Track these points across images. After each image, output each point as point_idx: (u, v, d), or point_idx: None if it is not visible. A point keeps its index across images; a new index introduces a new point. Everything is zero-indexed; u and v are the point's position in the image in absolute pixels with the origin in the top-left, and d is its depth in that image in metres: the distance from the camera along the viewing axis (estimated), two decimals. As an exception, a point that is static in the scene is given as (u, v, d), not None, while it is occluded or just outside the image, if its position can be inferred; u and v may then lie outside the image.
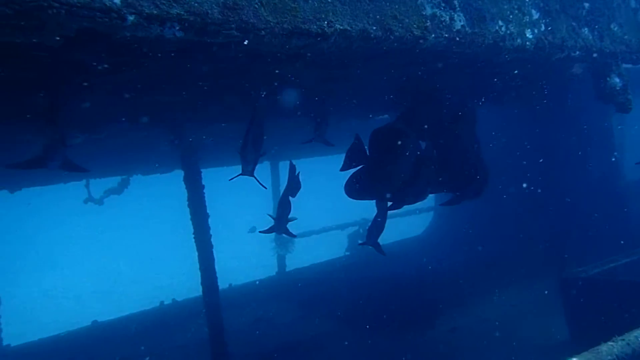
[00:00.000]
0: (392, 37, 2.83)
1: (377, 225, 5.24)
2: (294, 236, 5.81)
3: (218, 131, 6.49)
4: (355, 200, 4.87)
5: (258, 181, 4.99)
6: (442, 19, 3.00)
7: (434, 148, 4.64)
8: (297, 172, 5.72)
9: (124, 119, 5.12)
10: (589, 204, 8.74)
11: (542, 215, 8.90)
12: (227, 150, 8.95)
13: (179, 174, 7.11)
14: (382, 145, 4.55)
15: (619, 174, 9.61)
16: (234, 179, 4.88)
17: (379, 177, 4.50)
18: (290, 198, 5.56)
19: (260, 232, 5.77)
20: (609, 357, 2.67)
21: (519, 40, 3.40)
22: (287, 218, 5.45)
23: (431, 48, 3.11)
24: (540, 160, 8.78)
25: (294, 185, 5.57)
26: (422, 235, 13.47)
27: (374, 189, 4.65)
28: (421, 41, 2.97)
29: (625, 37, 4.05)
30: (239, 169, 4.93)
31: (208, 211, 6.85)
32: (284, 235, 10.25)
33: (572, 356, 2.47)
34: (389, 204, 4.94)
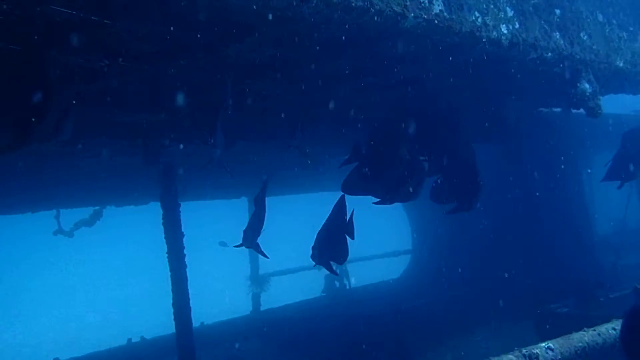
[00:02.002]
0: (373, 10, 2.93)
1: (254, 225, 5.27)
2: (265, 255, 5.62)
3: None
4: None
5: (261, 252, 5.42)
6: (421, 1, 3.14)
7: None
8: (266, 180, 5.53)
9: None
10: (561, 248, 8.88)
11: (518, 255, 8.99)
12: (208, 182, 8.84)
13: (154, 206, 6.95)
14: (378, 143, 4.97)
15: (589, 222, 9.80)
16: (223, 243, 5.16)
17: (373, 174, 4.91)
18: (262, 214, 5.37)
19: (234, 246, 5.59)
20: (580, 344, 2.71)
21: (494, 33, 3.55)
22: (258, 231, 5.26)
23: (411, 30, 3.21)
24: (515, 203, 8.94)
25: (263, 200, 5.38)
26: (400, 278, 13.41)
27: (368, 186, 5.04)
28: (400, 19, 3.08)
29: (594, 46, 4.29)
30: (220, 202, 4.96)
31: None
32: (257, 274, 9.97)
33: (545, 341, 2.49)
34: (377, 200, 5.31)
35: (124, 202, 9.59)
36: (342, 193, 5.19)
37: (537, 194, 9.12)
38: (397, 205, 14.19)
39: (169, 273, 6.62)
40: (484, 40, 3.41)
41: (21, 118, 3.14)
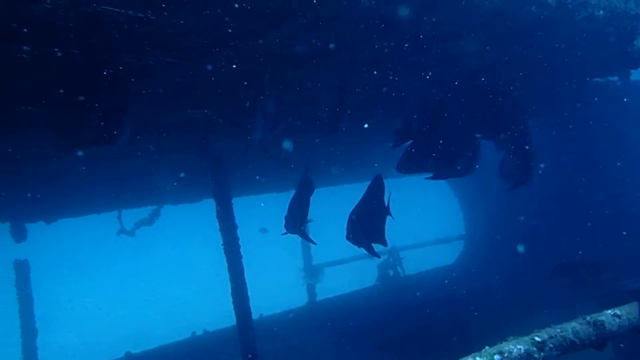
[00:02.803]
0: None
1: (295, 211, 5.08)
2: (311, 241, 5.63)
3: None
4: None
5: (307, 237, 5.37)
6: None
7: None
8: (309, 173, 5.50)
9: None
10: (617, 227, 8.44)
11: (574, 237, 8.64)
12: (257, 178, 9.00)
13: (209, 203, 7.13)
14: (431, 120, 5.12)
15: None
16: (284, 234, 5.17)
17: (427, 151, 5.10)
18: (304, 199, 5.34)
19: (282, 234, 5.62)
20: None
21: None
22: (302, 220, 5.24)
23: None
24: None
25: (306, 185, 5.36)
26: (454, 263, 13.18)
27: (423, 163, 5.23)
28: None
29: None
30: (268, 197, 5.06)
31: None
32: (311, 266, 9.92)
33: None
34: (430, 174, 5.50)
35: (180, 200, 9.92)
36: (392, 173, 5.19)
37: (599, 168, 8.71)
38: (448, 190, 13.97)
39: (226, 266, 6.80)
40: (529, 1, 3.28)
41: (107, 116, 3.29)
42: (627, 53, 4.08)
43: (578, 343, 2.57)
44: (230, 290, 6.73)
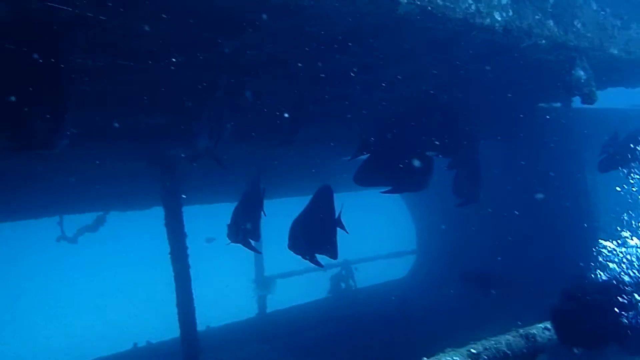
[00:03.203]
0: None
1: (238, 220, 5.07)
2: (256, 250, 5.54)
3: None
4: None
5: (251, 247, 5.24)
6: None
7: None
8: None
9: None
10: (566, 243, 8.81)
11: (522, 251, 8.95)
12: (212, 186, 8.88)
13: (158, 211, 6.98)
14: (387, 136, 5.31)
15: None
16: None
17: (383, 166, 5.26)
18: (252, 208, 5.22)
19: (226, 244, 5.51)
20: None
21: (488, 20, 3.56)
22: (254, 230, 5.14)
23: (406, 17, 3.21)
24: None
25: (254, 194, 5.25)
26: (405, 277, 13.38)
27: (379, 177, 5.38)
28: (394, 6, 3.08)
29: (588, 34, 4.29)
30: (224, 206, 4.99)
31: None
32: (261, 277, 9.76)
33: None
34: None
35: (128, 207, 9.65)
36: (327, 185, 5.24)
37: (541, 190, 9.08)
38: (402, 205, 14.23)
39: (173, 275, 6.66)
40: (478, 27, 3.42)
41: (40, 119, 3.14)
42: (566, 82, 4.32)
43: (511, 355, 2.66)
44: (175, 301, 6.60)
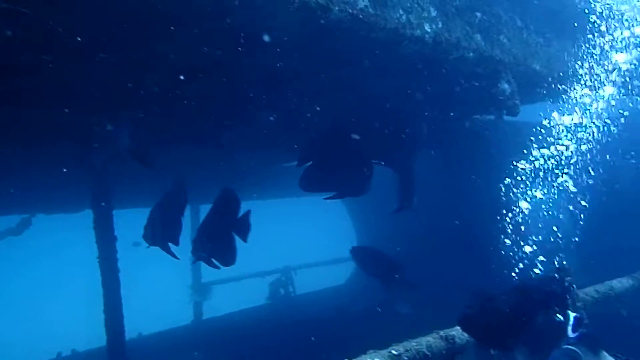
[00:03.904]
0: (297, 1, 2.93)
1: (156, 221, 5.06)
2: (174, 256, 5.44)
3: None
4: (276, 248, 5.23)
5: (169, 252, 5.23)
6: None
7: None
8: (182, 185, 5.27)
9: None
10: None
11: (453, 257, 9.24)
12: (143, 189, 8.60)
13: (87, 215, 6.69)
14: (330, 142, 5.45)
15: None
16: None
17: (326, 171, 5.40)
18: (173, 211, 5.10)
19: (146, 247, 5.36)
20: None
21: (418, 31, 3.65)
22: (174, 233, 5.01)
23: (337, 24, 3.23)
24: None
25: (176, 196, 5.12)
26: (345, 284, 13.49)
27: (323, 182, 5.49)
28: (325, 12, 3.09)
29: (513, 49, 4.51)
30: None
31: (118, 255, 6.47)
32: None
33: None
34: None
35: (55, 209, 9.19)
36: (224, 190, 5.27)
37: (473, 200, 9.42)
38: (344, 212, 14.36)
39: (101, 280, 6.40)
40: (408, 37, 3.52)
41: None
42: (492, 95, 4.52)
43: (430, 356, 2.73)
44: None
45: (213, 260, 5.12)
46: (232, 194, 5.07)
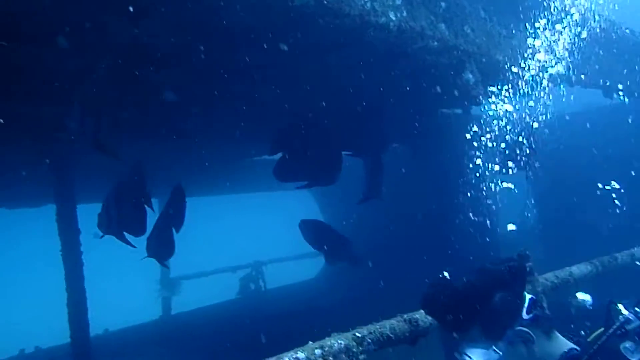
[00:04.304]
0: None
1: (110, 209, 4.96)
2: (130, 244, 5.38)
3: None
4: (247, 242, 5.32)
5: (124, 240, 5.17)
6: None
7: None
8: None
9: None
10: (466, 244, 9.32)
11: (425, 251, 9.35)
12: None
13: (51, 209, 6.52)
14: (299, 133, 5.58)
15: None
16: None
17: (297, 161, 5.56)
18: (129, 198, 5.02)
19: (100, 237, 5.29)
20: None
21: (383, 19, 3.65)
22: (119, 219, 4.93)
23: (300, 9, 3.22)
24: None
25: (132, 183, 5.05)
26: (315, 278, 13.52)
27: (294, 171, 5.65)
28: None
29: (477, 40, 4.57)
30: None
31: (84, 248, 6.32)
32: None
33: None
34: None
35: (18, 204, 8.92)
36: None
37: (442, 193, 9.56)
38: (314, 207, 14.38)
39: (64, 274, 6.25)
40: (373, 24, 3.53)
41: None
42: (457, 85, 4.58)
43: (394, 338, 2.76)
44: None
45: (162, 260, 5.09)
46: (179, 189, 5.06)
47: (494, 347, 2.15)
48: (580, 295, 2.92)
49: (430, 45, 4.05)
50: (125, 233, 5.21)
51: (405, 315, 2.89)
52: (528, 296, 2.25)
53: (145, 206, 4.98)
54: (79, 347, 6.18)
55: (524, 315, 2.19)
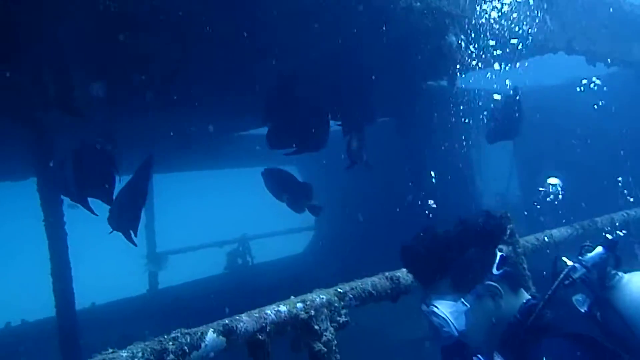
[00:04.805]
0: None
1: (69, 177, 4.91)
2: (92, 212, 5.35)
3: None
4: (234, 217, 5.37)
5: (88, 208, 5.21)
6: None
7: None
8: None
9: None
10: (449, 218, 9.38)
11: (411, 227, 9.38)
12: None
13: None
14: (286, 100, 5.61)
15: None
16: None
17: (285, 128, 5.64)
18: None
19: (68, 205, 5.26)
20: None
21: None
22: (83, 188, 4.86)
23: None
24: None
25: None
26: (303, 253, 13.60)
27: (284, 139, 5.72)
28: None
29: (460, 1, 4.52)
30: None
31: (70, 222, 6.27)
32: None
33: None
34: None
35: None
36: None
37: (427, 167, 9.59)
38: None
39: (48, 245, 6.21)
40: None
41: None
42: (440, 49, 4.56)
43: (375, 294, 2.79)
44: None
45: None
46: (149, 161, 4.96)
47: (462, 300, 2.19)
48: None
49: (414, 6, 4.01)
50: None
51: (387, 273, 2.92)
52: (499, 253, 2.29)
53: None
54: (65, 320, 6.18)
55: (494, 271, 2.24)
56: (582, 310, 2.21)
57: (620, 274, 2.26)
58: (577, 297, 2.27)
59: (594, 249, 2.32)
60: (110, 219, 5.37)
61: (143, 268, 11.08)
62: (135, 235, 5.44)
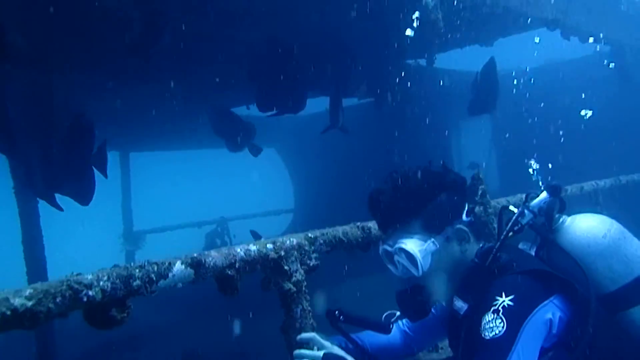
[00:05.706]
0: None
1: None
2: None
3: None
4: (213, 198, 5.43)
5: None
6: None
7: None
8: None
9: None
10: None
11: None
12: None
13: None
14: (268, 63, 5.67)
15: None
16: None
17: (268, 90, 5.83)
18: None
19: None
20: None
21: None
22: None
23: None
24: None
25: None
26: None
27: (270, 102, 5.92)
28: None
29: None
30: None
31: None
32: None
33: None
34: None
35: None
36: None
37: (406, 146, 9.64)
38: (281, 164, 14.35)
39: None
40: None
41: None
42: (418, 15, 4.57)
43: (346, 242, 2.83)
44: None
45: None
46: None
47: (432, 239, 2.23)
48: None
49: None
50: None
51: (358, 223, 2.95)
52: (468, 205, 2.37)
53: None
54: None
55: (464, 217, 2.30)
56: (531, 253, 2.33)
57: (564, 216, 2.37)
58: (521, 245, 2.39)
59: (538, 195, 2.39)
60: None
61: (120, 247, 10.98)
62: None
